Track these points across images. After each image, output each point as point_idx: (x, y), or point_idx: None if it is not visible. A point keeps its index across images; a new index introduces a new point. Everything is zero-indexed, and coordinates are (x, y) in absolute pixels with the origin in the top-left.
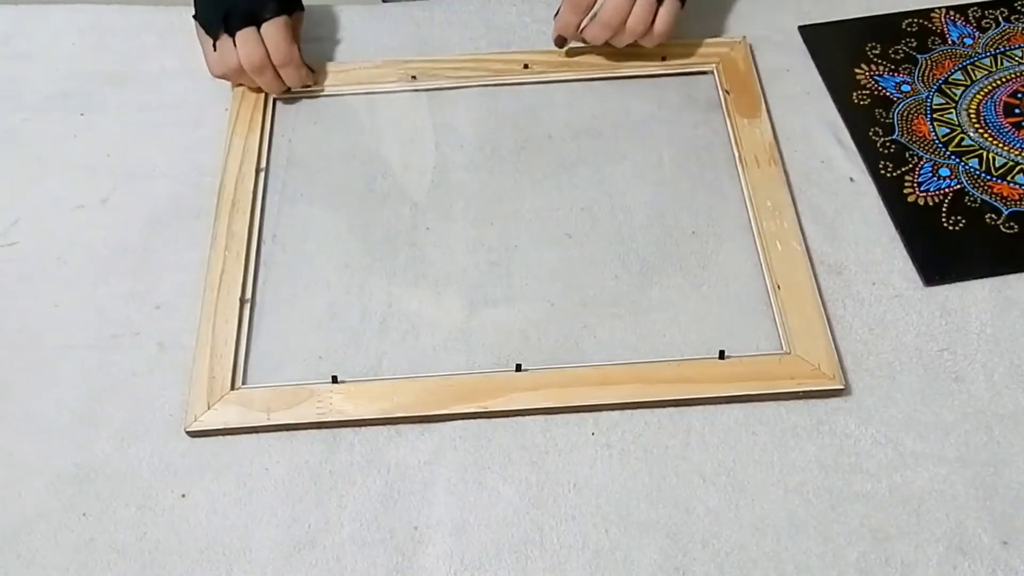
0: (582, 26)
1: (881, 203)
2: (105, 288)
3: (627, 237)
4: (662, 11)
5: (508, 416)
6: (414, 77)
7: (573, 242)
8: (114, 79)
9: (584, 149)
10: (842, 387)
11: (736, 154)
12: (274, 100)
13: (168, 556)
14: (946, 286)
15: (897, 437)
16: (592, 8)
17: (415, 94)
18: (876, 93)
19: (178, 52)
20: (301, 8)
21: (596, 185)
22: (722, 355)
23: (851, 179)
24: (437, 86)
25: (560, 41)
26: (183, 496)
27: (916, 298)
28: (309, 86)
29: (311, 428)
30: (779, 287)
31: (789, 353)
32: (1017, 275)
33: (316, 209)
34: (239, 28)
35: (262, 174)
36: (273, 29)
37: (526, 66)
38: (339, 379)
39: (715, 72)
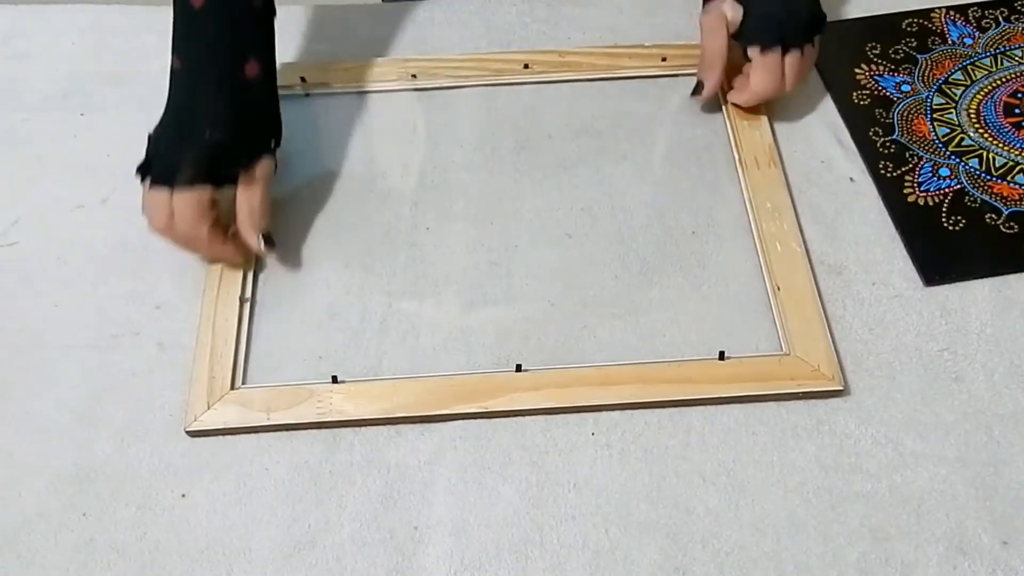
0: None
1: (881, 203)
2: (105, 288)
3: (627, 237)
4: (798, 64)
5: (508, 416)
6: (414, 76)
7: (573, 242)
8: (114, 79)
9: (584, 149)
10: (841, 388)
11: (736, 156)
12: None
13: (168, 556)
14: (946, 286)
15: (897, 437)
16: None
17: (415, 93)
18: (876, 93)
19: None
20: (260, 157)
21: (596, 185)
22: (722, 356)
23: (851, 179)
24: (437, 85)
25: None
26: (183, 496)
27: (916, 298)
28: (264, 252)
29: (311, 428)
30: (779, 288)
31: (789, 354)
32: (1017, 275)
33: (316, 209)
34: (153, 186)
35: None
36: (181, 202)
37: (526, 66)
38: (339, 379)
39: None
